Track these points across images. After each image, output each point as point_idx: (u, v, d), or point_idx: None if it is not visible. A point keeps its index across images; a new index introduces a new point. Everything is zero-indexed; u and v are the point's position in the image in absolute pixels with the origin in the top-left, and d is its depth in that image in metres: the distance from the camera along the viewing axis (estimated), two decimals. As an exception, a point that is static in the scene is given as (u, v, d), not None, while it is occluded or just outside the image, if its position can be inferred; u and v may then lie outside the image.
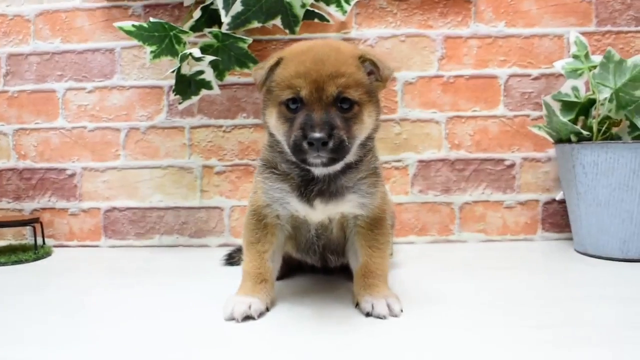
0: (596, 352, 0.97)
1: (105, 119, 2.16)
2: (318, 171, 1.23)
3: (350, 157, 1.23)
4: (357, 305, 1.27)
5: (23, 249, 2.01)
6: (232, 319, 1.19)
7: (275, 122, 1.22)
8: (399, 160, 2.11)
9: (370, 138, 1.27)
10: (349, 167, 1.25)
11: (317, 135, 1.09)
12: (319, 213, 1.27)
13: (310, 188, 1.24)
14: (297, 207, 1.27)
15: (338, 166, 1.23)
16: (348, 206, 1.28)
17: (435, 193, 2.12)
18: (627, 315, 1.18)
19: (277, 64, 1.22)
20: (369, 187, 1.28)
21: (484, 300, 1.32)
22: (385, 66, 1.22)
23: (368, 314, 1.21)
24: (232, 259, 1.80)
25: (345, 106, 1.16)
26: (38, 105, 2.19)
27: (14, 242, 2.21)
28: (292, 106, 1.18)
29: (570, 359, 0.95)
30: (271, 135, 1.28)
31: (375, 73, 1.22)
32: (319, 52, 1.18)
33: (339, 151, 1.13)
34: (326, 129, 1.11)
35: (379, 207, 1.31)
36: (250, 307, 1.21)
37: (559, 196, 2.03)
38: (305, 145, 1.12)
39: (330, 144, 1.11)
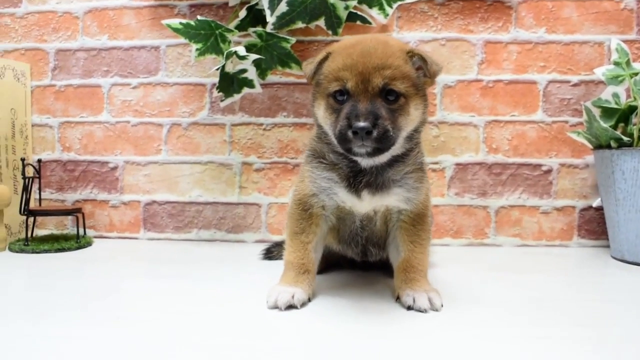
0: (630, 353, 0.98)
1: (149, 114, 2.21)
2: (364, 162, 1.25)
3: (396, 150, 1.25)
4: (397, 298, 1.29)
5: (65, 238, 2.07)
6: (275, 307, 1.22)
7: (323, 113, 1.25)
8: (436, 163, 2.13)
9: (417, 132, 1.29)
10: (395, 161, 1.27)
11: (361, 124, 1.12)
12: (365, 204, 1.29)
13: (358, 179, 1.26)
14: (344, 197, 1.29)
15: (384, 158, 1.25)
16: (394, 199, 1.29)
17: (471, 196, 2.13)
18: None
19: (326, 58, 1.26)
20: (415, 181, 1.30)
21: (519, 302, 1.33)
22: (434, 62, 1.24)
23: (409, 307, 1.23)
24: (271, 253, 1.83)
25: (391, 98, 1.19)
26: (83, 100, 2.25)
27: (55, 231, 2.27)
28: (339, 98, 1.21)
29: (603, 356, 0.96)
30: (319, 127, 1.31)
31: (423, 68, 1.25)
32: (366, 46, 1.21)
33: (384, 141, 1.16)
34: (370, 118, 1.13)
35: (422, 203, 1.33)
36: (293, 296, 1.23)
37: (595, 203, 2.03)
38: (350, 134, 1.14)
39: (375, 133, 1.13)
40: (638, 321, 1.17)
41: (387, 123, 1.16)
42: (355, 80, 1.17)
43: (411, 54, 1.24)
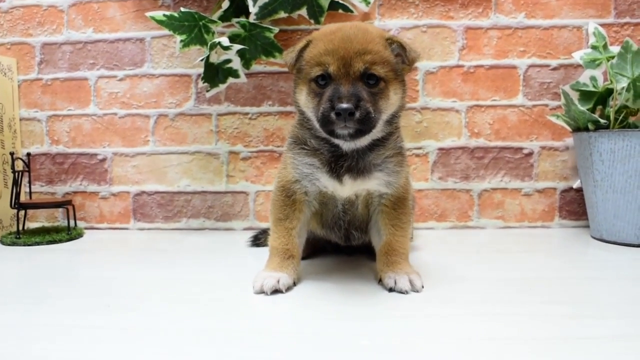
0: (607, 325, 1.03)
1: (135, 106, 2.24)
2: (346, 146, 1.29)
3: (377, 133, 1.29)
4: (380, 281, 1.33)
5: (56, 230, 2.10)
6: (261, 292, 1.26)
7: (305, 98, 1.29)
8: (419, 148, 2.16)
9: (395, 116, 1.33)
10: (375, 145, 1.31)
11: (344, 105, 1.16)
12: (347, 189, 1.33)
13: (340, 164, 1.30)
14: (326, 183, 1.33)
15: (365, 141, 1.29)
16: (375, 183, 1.33)
17: (454, 180, 2.17)
18: (634, 294, 1.24)
19: (307, 45, 1.30)
20: (395, 165, 1.34)
21: (500, 280, 1.38)
22: (412, 49, 1.29)
23: (391, 289, 1.27)
24: (258, 240, 1.86)
25: (372, 82, 1.23)
26: (71, 93, 2.27)
27: (46, 223, 2.30)
28: (321, 82, 1.25)
29: (582, 330, 1.00)
30: (301, 113, 1.35)
31: (402, 55, 1.29)
32: (347, 32, 1.25)
33: (366, 122, 1.19)
34: (353, 100, 1.17)
35: (403, 187, 1.36)
36: (279, 281, 1.27)
37: (576, 184, 2.08)
38: (332, 115, 1.18)
39: (357, 114, 1.17)
40: (613, 297, 1.22)
41: (369, 105, 1.20)
42: (337, 64, 1.21)
43: (390, 41, 1.28)
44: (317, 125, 1.28)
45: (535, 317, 1.08)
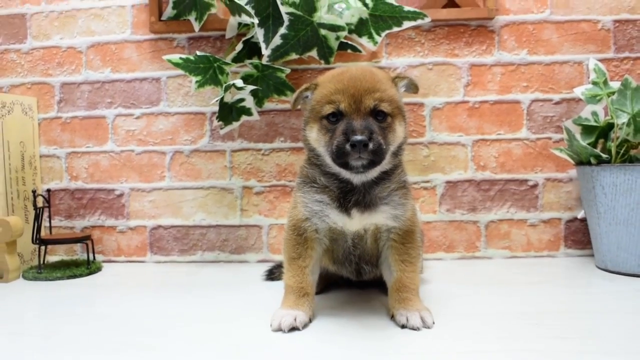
0: (611, 360, 1.08)
1: (152, 143, 2.31)
2: (357, 179, 1.36)
3: (384, 166, 1.37)
4: (392, 317, 1.38)
5: (75, 264, 2.16)
6: (279, 330, 1.31)
7: (317, 134, 1.37)
8: (427, 181, 2.23)
9: (400, 148, 1.42)
10: (382, 178, 1.39)
11: (359, 137, 1.24)
12: (355, 222, 1.39)
13: (348, 198, 1.37)
14: (335, 218, 1.39)
15: (374, 173, 1.36)
16: (382, 217, 1.39)
17: (462, 212, 2.23)
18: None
19: (309, 88, 1.42)
20: (400, 198, 1.41)
21: (509, 313, 1.43)
22: (415, 83, 1.47)
23: (403, 326, 1.32)
24: (273, 274, 1.92)
25: (380, 117, 1.33)
26: (89, 130, 2.35)
27: (65, 257, 2.36)
28: (332, 119, 1.34)
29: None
30: (311, 150, 1.43)
31: (412, 90, 1.45)
32: (354, 73, 1.36)
33: (378, 153, 1.28)
34: (366, 132, 1.26)
35: (410, 219, 1.43)
36: (295, 319, 1.32)
37: (580, 214, 2.13)
38: (347, 147, 1.26)
39: (371, 146, 1.25)
40: (618, 332, 1.26)
41: (380, 137, 1.29)
42: (348, 101, 1.30)
43: (399, 79, 1.43)
44: (328, 160, 1.35)
45: (543, 354, 1.13)
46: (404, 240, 1.42)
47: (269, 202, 2.27)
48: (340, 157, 1.29)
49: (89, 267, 2.10)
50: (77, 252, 2.38)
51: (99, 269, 2.16)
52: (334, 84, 1.34)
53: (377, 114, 1.32)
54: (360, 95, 1.30)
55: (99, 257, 2.33)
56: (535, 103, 2.20)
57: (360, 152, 1.25)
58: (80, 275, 2.05)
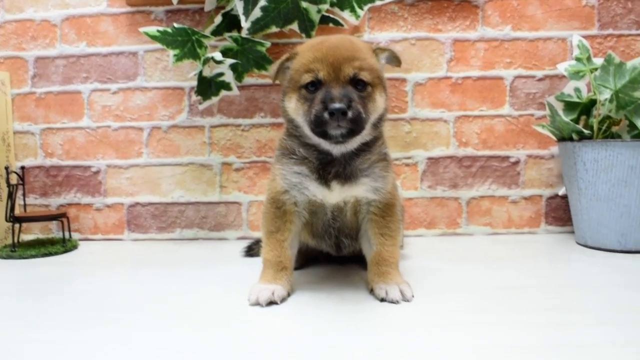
0: (592, 332, 1.07)
1: (129, 118, 2.27)
2: (336, 149, 1.34)
3: (364, 137, 1.35)
4: (371, 291, 1.36)
5: (51, 242, 2.12)
6: (257, 304, 1.29)
7: (295, 104, 1.34)
8: (409, 158, 2.21)
9: (381, 120, 1.39)
10: (362, 150, 1.36)
11: (337, 105, 1.22)
12: (335, 195, 1.37)
13: (327, 170, 1.35)
14: (314, 191, 1.37)
15: (354, 144, 1.34)
16: (362, 190, 1.37)
17: (443, 188, 2.22)
18: (619, 301, 1.28)
19: (289, 58, 1.38)
20: (381, 170, 1.38)
21: (489, 288, 1.42)
22: (397, 56, 1.43)
23: (382, 300, 1.30)
24: (252, 250, 1.90)
25: (360, 86, 1.29)
26: (64, 106, 2.29)
27: (41, 235, 2.32)
28: (312, 88, 1.31)
29: (567, 338, 1.04)
30: (289, 121, 1.40)
31: (394, 62, 1.41)
32: (333, 42, 1.32)
33: (357, 122, 1.25)
34: (345, 100, 1.23)
35: (390, 192, 1.40)
36: (273, 293, 1.30)
37: (561, 191, 2.12)
38: (326, 115, 1.23)
39: (349, 114, 1.23)
40: (597, 304, 1.26)
41: (359, 106, 1.26)
42: (327, 70, 1.27)
43: (380, 51, 1.39)
44: (307, 130, 1.33)
45: (523, 325, 1.12)
46: (384, 213, 1.40)
47: (248, 179, 2.24)
48: (319, 126, 1.26)
49: (64, 245, 2.06)
50: (53, 231, 2.34)
51: (75, 247, 2.12)
52: (312, 53, 1.30)
53: (357, 83, 1.29)
54: (339, 63, 1.27)
55: (75, 236, 2.29)
56: (518, 79, 2.18)
57: (339, 120, 1.22)
58: (56, 254, 2.01)
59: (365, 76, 1.29)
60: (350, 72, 1.27)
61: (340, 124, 1.23)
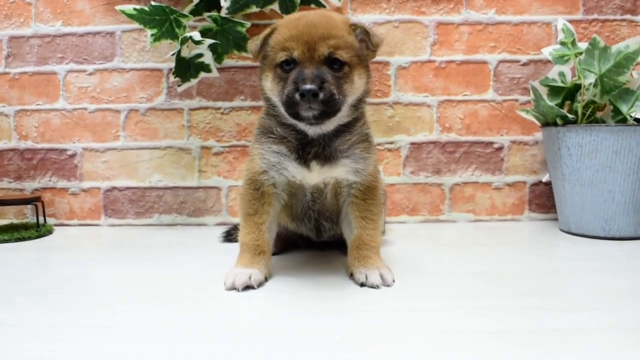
0: (573, 317, 1.05)
1: (106, 100, 2.21)
2: (312, 130, 1.30)
3: (342, 118, 1.31)
4: (351, 275, 1.33)
5: (25, 227, 2.07)
6: (233, 288, 1.25)
7: (271, 84, 1.30)
8: (391, 143, 2.18)
9: (361, 101, 1.35)
10: (342, 131, 1.32)
11: (308, 86, 1.17)
12: (315, 176, 1.33)
13: (307, 150, 1.31)
14: (293, 171, 1.33)
15: (331, 125, 1.30)
16: (342, 171, 1.33)
17: (426, 174, 2.19)
18: (602, 286, 1.26)
19: (271, 33, 1.32)
20: (362, 152, 1.35)
21: (471, 273, 1.39)
22: (375, 34, 1.32)
23: (362, 284, 1.27)
24: (230, 235, 1.86)
25: (336, 66, 1.25)
26: (39, 87, 2.23)
27: (15, 220, 2.26)
28: (286, 67, 1.26)
29: (549, 323, 1.02)
30: (267, 100, 1.36)
31: (366, 41, 1.32)
32: (311, 18, 1.27)
33: (330, 104, 1.21)
34: (317, 81, 1.19)
35: (372, 175, 1.37)
36: (250, 277, 1.27)
37: (545, 178, 2.11)
38: (297, 97, 1.19)
39: (321, 95, 1.19)
40: (579, 290, 1.24)
41: (333, 87, 1.21)
42: (302, 49, 1.23)
43: (354, 27, 1.31)
44: (282, 110, 1.29)
45: (504, 310, 1.10)
46: (365, 196, 1.37)
47: (228, 163, 2.19)
48: (291, 107, 1.23)
49: (38, 230, 2.01)
50: (28, 215, 2.28)
51: (49, 232, 2.07)
52: (288, 30, 1.26)
53: (333, 62, 1.24)
54: (314, 42, 1.22)
55: (50, 221, 2.24)
56: (502, 64, 2.16)
57: (310, 102, 1.18)
58: (29, 238, 1.96)
59: (341, 55, 1.24)
60: (325, 51, 1.22)
61: (312, 106, 1.19)
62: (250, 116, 2.18)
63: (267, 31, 1.33)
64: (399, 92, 2.16)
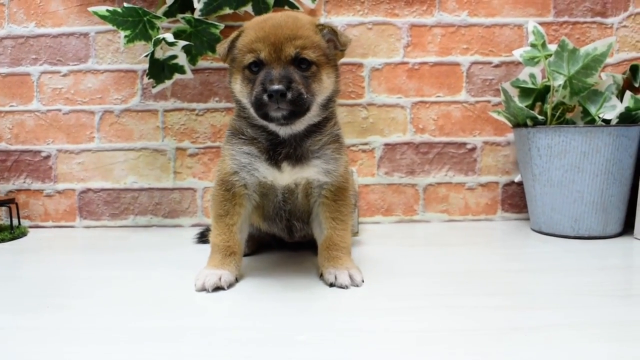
0: (537, 316, 1.07)
1: (80, 102, 2.20)
2: (282, 131, 1.31)
3: (312, 118, 1.32)
4: (321, 276, 1.35)
5: (-2, 229, 2.06)
6: (203, 289, 1.26)
7: (240, 86, 1.32)
8: (365, 144, 2.19)
9: (331, 100, 1.36)
10: (312, 131, 1.34)
11: (275, 87, 1.19)
12: (286, 176, 1.35)
13: (278, 151, 1.32)
14: (264, 172, 1.34)
15: (301, 125, 1.32)
16: (314, 172, 1.35)
17: (400, 175, 2.21)
18: (566, 285, 1.29)
19: (239, 35, 1.33)
20: (333, 152, 1.36)
21: (441, 273, 1.41)
22: (343, 33, 1.33)
23: (332, 284, 1.29)
24: (204, 236, 1.86)
25: (304, 66, 1.26)
26: (13, 88, 2.22)
27: (-11, 222, 2.25)
28: (254, 69, 1.28)
29: (514, 321, 1.04)
30: (237, 102, 1.37)
31: (334, 40, 1.33)
32: (277, 20, 1.28)
33: (298, 103, 1.22)
34: (284, 81, 1.20)
35: (342, 175, 1.39)
36: (220, 278, 1.28)
37: (517, 178, 2.14)
38: (265, 98, 1.21)
39: (289, 95, 1.20)
40: (546, 288, 1.27)
41: (301, 87, 1.23)
42: (268, 50, 1.24)
43: (321, 27, 1.32)
44: (252, 111, 1.30)
45: (471, 309, 1.12)
46: (335, 197, 1.39)
47: (203, 165, 2.20)
48: (260, 108, 1.24)
49: (12, 232, 2.00)
50: (2, 217, 2.26)
51: (23, 234, 2.06)
52: (255, 32, 1.28)
53: (301, 62, 1.26)
54: (280, 43, 1.24)
55: (25, 222, 2.22)
56: (475, 65, 2.18)
57: (279, 102, 1.20)
58: (3, 241, 1.95)
59: (308, 55, 1.25)
60: (291, 51, 1.24)
61: (280, 106, 1.21)
62: (225, 117, 2.18)
63: (234, 34, 1.34)
64: (373, 94, 2.18)
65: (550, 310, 1.11)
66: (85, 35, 2.18)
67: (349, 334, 0.99)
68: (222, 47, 1.36)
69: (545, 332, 0.98)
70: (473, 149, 2.20)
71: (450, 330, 0.99)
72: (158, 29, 1.89)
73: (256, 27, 1.29)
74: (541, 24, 2.09)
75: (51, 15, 2.19)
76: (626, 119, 1.83)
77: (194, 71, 2.11)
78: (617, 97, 1.89)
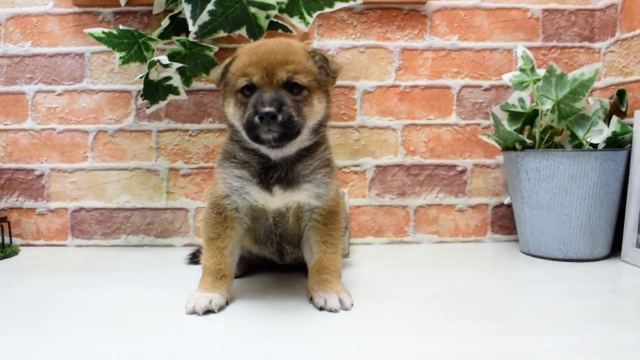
0: (524, 340, 1.09)
1: (74, 121, 2.21)
2: (273, 154, 1.33)
3: (303, 142, 1.35)
4: (311, 299, 1.36)
5: (-10, 247, 2.06)
6: (194, 312, 1.27)
7: (232, 109, 1.34)
8: (357, 165, 2.21)
9: (322, 125, 1.39)
10: (303, 155, 1.36)
11: (266, 109, 1.21)
12: (277, 200, 1.36)
13: (269, 175, 1.34)
14: (256, 196, 1.36)
15: (292, 148, 1.33)
16: (304, 195, 1.36)
17: (391, 196, 2.23)
18: (553, 308, 1.31)
19: (232, 61, 1.36)
20: (324, 176, 1.38)
21: (430, 296, 1.43)
22: (334, 61, 1.36)
23: (321, 308, 1.30)
24: (196, 257, 1.86)
25: (295, 90, 1.29)
26: (7, 107, 2.23)
27: (-19, 240, 2.25)
28: (247, 92, 1.30)
29: (500, 347, 1.06)
30: (230, 126, 1.39)
31: (325, 67, 1.36)
32: (270, 45, 1.32)
33: (289, 126, 1.24)
34: (275, 104, 1.23)
35: (333, 199, 1.40)
36: (211, 302, 1.29)
37: (506, 200, 2.16)
38: (256, 120, 1.23)
39: (280, 118, 1.22)
40: (534, 313, 1.28)
41: (292, 110, 1.25)
42: (261, 74, 1.27)
43: (313, 53, 1.35)
44: (244, 134, 1.32)
45: (459, 334, 1.13)
46: (326, 220, 1.40)
47: (196, 185, 2.21)
48: (251, 130, 1.26)
49: (4, 251, 2.01)
50: (-6, 235, 2.27)
51: (15, 253, 2.07)
52: (248, 57, 1.30)
53: (292, 87, 1.28)
54: (273, 67, 1.27)
55: (16, 241, 2.22)
56: (465, 89, 2.22)
57: (270, 124, 1.22)
58: (-6, 259, 1.95)
59: (300, 79, 1.28)
60: (283, 75, 1.27)
61: (271, 128, 1.23)
62: (218, 138, 2.20)
63: (228, 60, 1.37)
64: (365, 116, 2.21)
65: (534, 335, 1.12)
66: (81, 55, 2.20)
67: (340, 359, 1.00)
68: (216, 73, 1.39)
69: (541, 356, 0.99)
70: (463, 171, 2.23)
71: (442, 356, 1.00)
72: (153, 50, 1.91)
73: (249, 52, 1.32)
74: (530, 48, 2.13)
75: (47, 35, 2.21)
76: (613, 143, 1.86)
77: (188, 92, 2.13)
78: (604, 121, 1.92)
